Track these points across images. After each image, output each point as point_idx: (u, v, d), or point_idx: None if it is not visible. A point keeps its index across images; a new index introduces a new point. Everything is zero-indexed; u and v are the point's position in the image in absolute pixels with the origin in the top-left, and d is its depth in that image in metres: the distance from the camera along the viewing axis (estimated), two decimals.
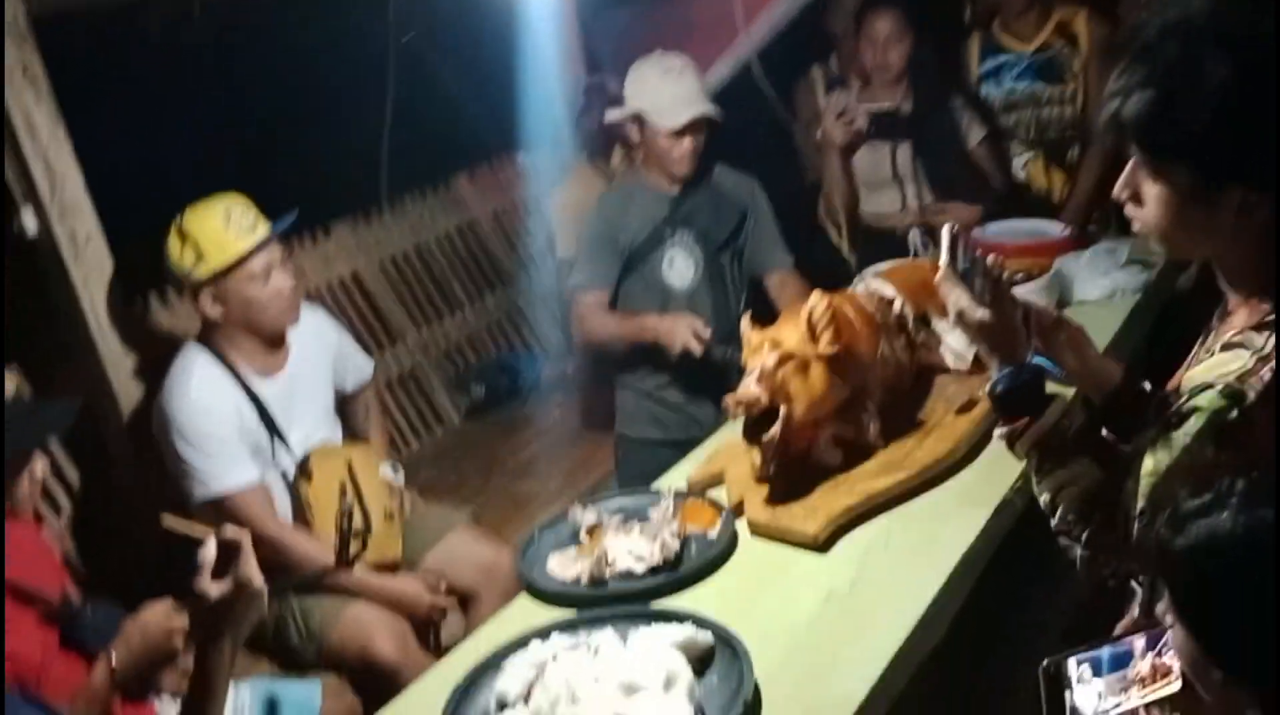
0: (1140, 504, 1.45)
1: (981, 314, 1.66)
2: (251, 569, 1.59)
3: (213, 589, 1.57)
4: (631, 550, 2.13)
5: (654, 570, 2.10)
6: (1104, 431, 1.69)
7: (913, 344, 2.57)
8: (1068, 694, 1.30)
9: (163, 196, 2.91)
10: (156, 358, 3.00)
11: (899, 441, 2.35)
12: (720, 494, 2.34)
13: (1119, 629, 1.50)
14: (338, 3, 4.23)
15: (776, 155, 3.50)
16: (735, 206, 3.24)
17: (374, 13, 4.76)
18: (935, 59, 3.70)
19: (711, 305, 3.18)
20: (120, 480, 3.14)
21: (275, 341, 2.83)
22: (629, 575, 2.10)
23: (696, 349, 2.94)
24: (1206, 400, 1.38)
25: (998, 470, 2.21)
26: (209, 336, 2.77)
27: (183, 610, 1.79)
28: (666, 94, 3.04)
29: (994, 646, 2.34)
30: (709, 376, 3.09)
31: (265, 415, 2.76)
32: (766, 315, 2.43)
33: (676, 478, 2.50)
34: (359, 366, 3.15)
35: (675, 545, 2.14)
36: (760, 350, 2.21)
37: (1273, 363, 1.38)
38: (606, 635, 1.86)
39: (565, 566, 2.16)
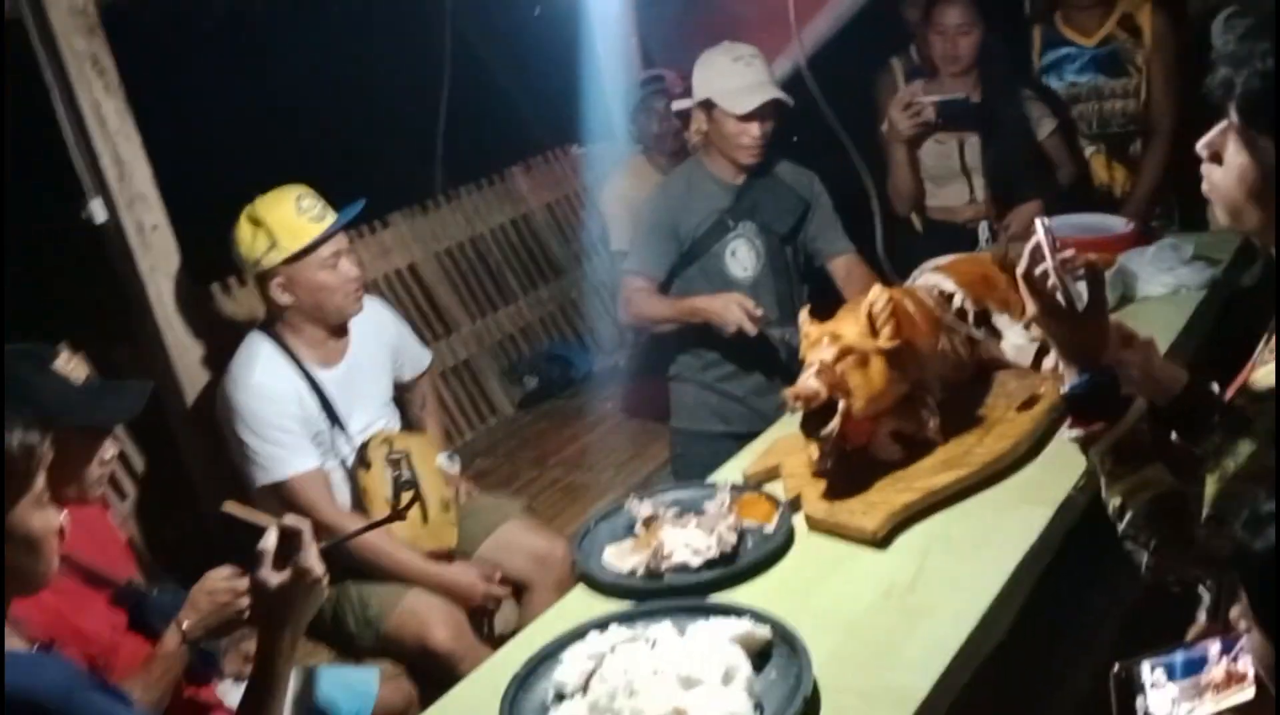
0: (1208, 510, 1.42)
1: (1063, 305, 1.60)
2: (313, 558, 1.61)
3: (273, 578, 1.59)
4: (688, 543, 2.13)
5: (710, 564, 2.10)
6: (1172, 436, 1.67)
7: (972, 338, 2.55)
8: (1140, 699, 1.29)
9: (225, 186, 2.96)
10: (220, 345, 3.04)
11: (959, 437, 2.33)
12: (777, 488, 2.34)
13: (1191, 633, 1.48)
14: None
15: (828, 153, 3.47)
16: (797, 197, 3.23)
17: (431, 5, 4.79)
18: (1004, 50, 3.65)
19: (774, 296, 3.18)
20: (184, 465, 3.19)
21: (338, 330, 2.87)
22: (685, 568, 2.10)
23: (750, 327, 2.94)
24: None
25: (1059, 468, 2.19)
26: (273, 325, 2.81)
27: (244, 575, 1.83)
28: (736, 80, 3.04)
29: (1052, 644, 2.32)
30: (771, 367, 3.08)
31: (326, 403, 2.80)
32: (831, 304, 2.43)
33: (732, 471, 2.50)
34: (416, 356, 3.18)
35: (732, 539, 2.14)
36: (819, 344, 2.20)
37: None
38: (664, 628, 1.87)
39: (621, 558, 2.17)
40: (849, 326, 2.21)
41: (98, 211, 2.95)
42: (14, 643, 1.41)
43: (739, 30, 3.77)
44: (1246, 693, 1.22)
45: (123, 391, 2.10)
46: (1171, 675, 1.29)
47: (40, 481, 1.39)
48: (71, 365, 2.02)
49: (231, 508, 1.67)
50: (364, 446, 2.84)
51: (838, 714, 1.71)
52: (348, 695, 2.52)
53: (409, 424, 3.14)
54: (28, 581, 1.42)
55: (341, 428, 2.83)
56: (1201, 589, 1.58)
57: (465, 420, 4.29)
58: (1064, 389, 1.63)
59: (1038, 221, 1.66)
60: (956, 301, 2.56)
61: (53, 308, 3.79)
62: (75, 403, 1.94)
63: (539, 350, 4.61)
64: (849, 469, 2.24)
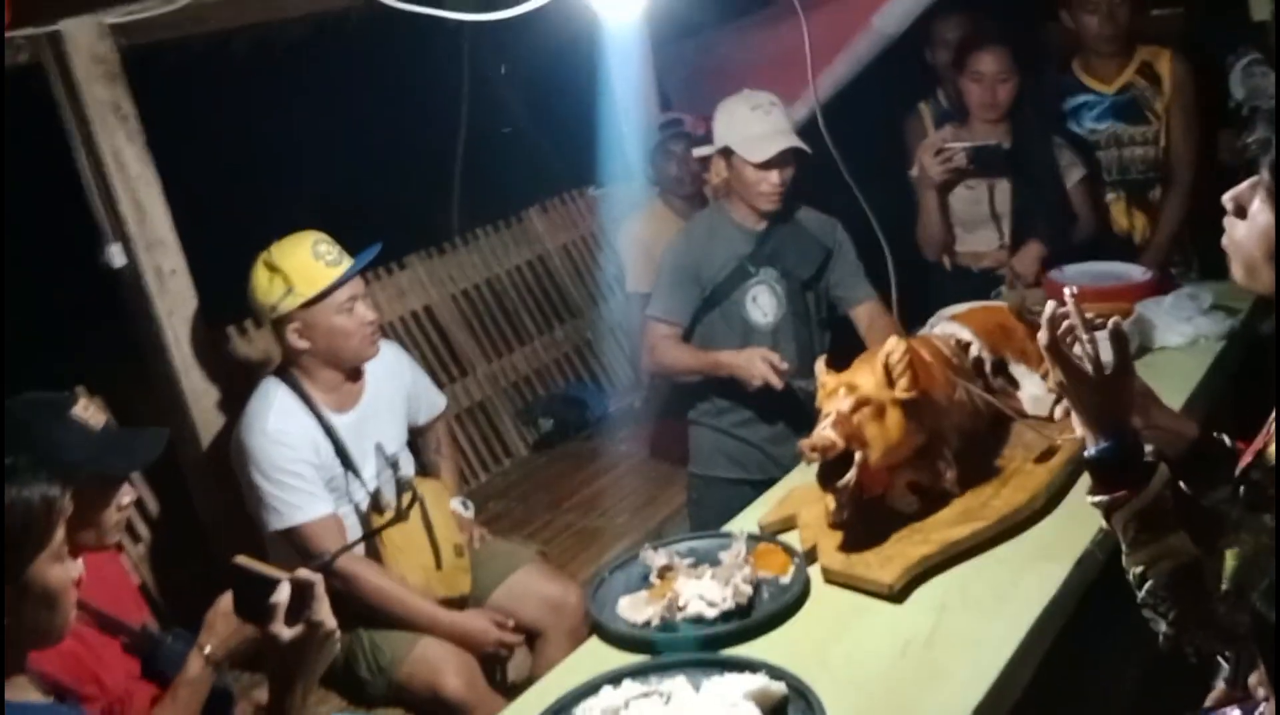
0: (1227, 584, 1.41)
1: (1088, 370, 1.58)
2: (325, 611, 1.60)
3: (286, 632, 1.58)
4: (703, 594, 2.12)
5: (726, 615, 2.09)
6: (1180, 485, 1.64)
7: (990, 389, 2.54)
8: None
9: (242, 230, 2.98)
10: (236, 390, 3.05)
11: (976, 489, 2.31)
12: (793, 538, 2.32)
13: (1210, 700, 1.45)
14: (413, 40, 4.30)
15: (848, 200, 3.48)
16: (819, 245, 3.23)
17: (448, 49, 4.84)
18: (1035, 96, 3.65)
19: (795, 343, 3.17)
20: (198, 511, 3.19)
21: (353, 375, 2.87)
22: (700, 620, 2.09)
23: (776, 381, 2.94)
24: None
25: (1077, 521, 2.17)
26: (288, 370, 2.82)
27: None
28: (755, 128, 3.05)
29: (1070, 705, 2.29)
30: (790, 415, 3.07)
31: (340, 449, 2.80)
32: (853, 352, 2.42)
33: (748, 520, 2.49)
34: (431, 401, 3.18)
35: (748, 590, 2.12)
36: (836, 394, 2.19)
37: None
38: (679, 683, 1.85)
39: (636, 609, 2.15)
40: (865, 377, 2.20)
41: (116, 256, 2.98)
42: (31, 694, 1.41)
43: (757, 74, 3.79)
44: None
45: (140, 438, 2.11)
46: None
47: (60, 535, 1.39)
48: (89, 411, 2.02)
49: (242, 561, 1.67)
50: (377, 492, 2.84)
51: None
52: None
53: (423, 468, 3.13)
54: (46, 635, 1.42)
55: (356, 473, 2.83)
56: (1220, 658, 1.56)
57: (480, 462, 4.29)
58: (1087, 453, 1.60)
59: (1065, 291, 1.64)
60: (973, 351, 2.55)
61: (70, 351, 3.82)
62: (94, 451, 1.94)
63: (554, 392, 4.61)
64: (865, 520, 2.22)
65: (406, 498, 2.75)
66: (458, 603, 2.86)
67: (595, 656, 2.09)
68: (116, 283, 3.05)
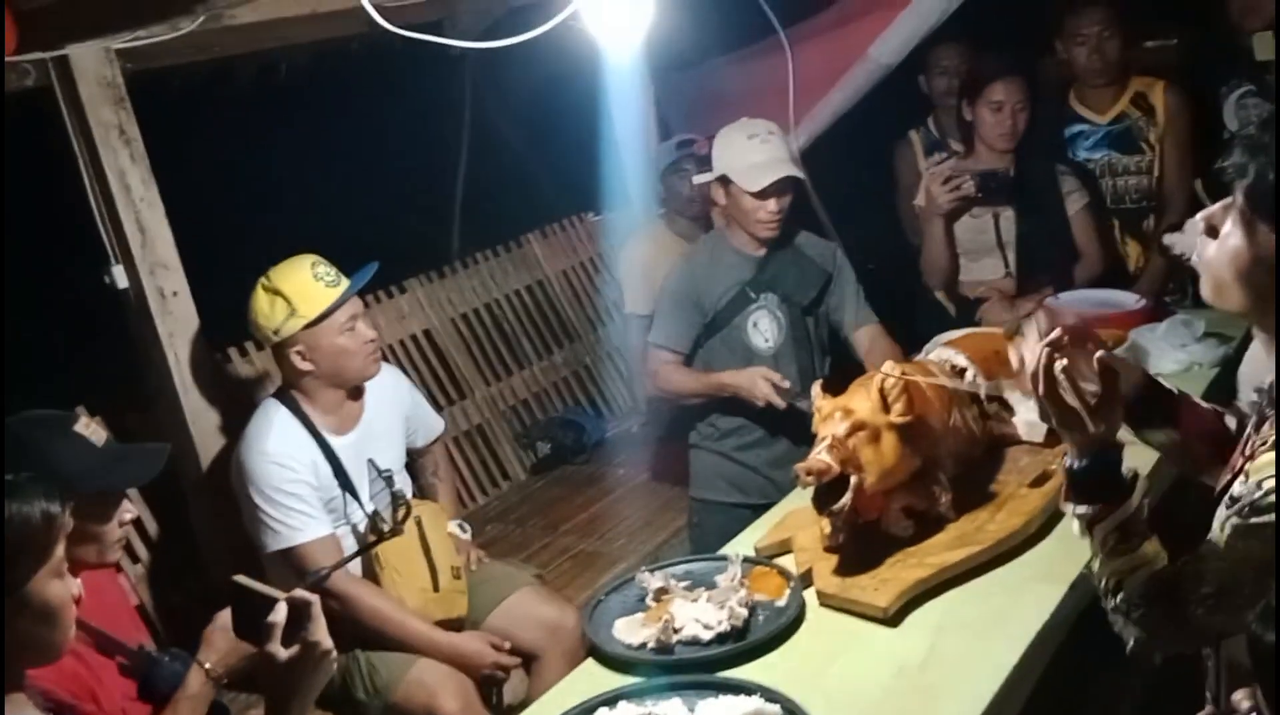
0: (1207, 586, 1.44)
1: (1075, 404, 1.60)
2: (321, 632, 1.60)
3: (282, 652, 1.58)
4: (699, 617, 2.13)
5: (721, 638, 2.09)
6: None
7: (984, 414, 2.55)
8: None
9: (243, 253, 3.01)
10: (236, 411, 3.07)
11: (971, 514, 2.33)
12: (789, 561, 2.33)
13: None
14: (415, 67, 4.34)
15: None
16: (819, 269, 3.25)
17: (449, 76, 4.88)
18: (1035, 123, 3.67)
19: (796, 367, 3.19)
20: (197, 531, 3.20)
21: (353, 395, 2.89)
22: (696, 642, 2.09)
23: (778, 401, 2.96)
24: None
25: (1072, 545, 2.13)
26: (288, 392, 2.83)
27: None
28: (751, 157, 3.08)
29: None
30: (790, 439, 3.09)
31: (339, 471, 2.81)
32: (854, 374, 2.44)
33: (744, 544, 2.50)
34: (430, 423, 3.20)
35: (743, 613, 2.13)
36: (831, 418, 2.21)
37: None
38: (674, 705, 1.86)
39: (632, 631, 2.16)
40: (861, 401, 2.22)
41: (119, 277, 3.00)
42: (30, 711, 1.41)
43: (757, 103, 3.82)
44: None
45: (141, 454, 2.13)
46: None
47: (60, 551, 1.40)
48: (90, 429, 2.04)
49: (242, 580, 1.68)
50: (375, 513, 2.85)
51: None
52: None
53: (421, 491, 3.15)
54: (44, 651, 1.42)
55: (354, 495, 2.84)
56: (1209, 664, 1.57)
57: (478, 486, 4.30)
58: (1069, 465, 1.64)
59: (1035, 314, 1.71)
60: (968, 376, 2.56)
61: (72, 372, 3.84)
62: (96, 466, 1.96)
63: (552, 416, 4.62)
64: (861, 544, 2.24)
65: (402, 512, 2.76)
66: (455, 625, 2.87)
67: (591, 678, 2.10)
68: (119, 304, 3.08)
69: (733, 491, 3.28)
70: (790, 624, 2.12)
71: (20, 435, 1.94)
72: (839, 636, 2.10)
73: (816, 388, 2.33)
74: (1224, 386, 2.94)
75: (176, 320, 3.06)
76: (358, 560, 2.84)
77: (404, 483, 3.02)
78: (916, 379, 2.27)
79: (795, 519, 2.45)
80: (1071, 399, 1.59)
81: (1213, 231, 1.46)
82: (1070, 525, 1.67)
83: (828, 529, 2.24)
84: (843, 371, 3.13)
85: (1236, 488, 1.47)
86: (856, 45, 3.97)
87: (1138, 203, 3.75)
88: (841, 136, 4.06)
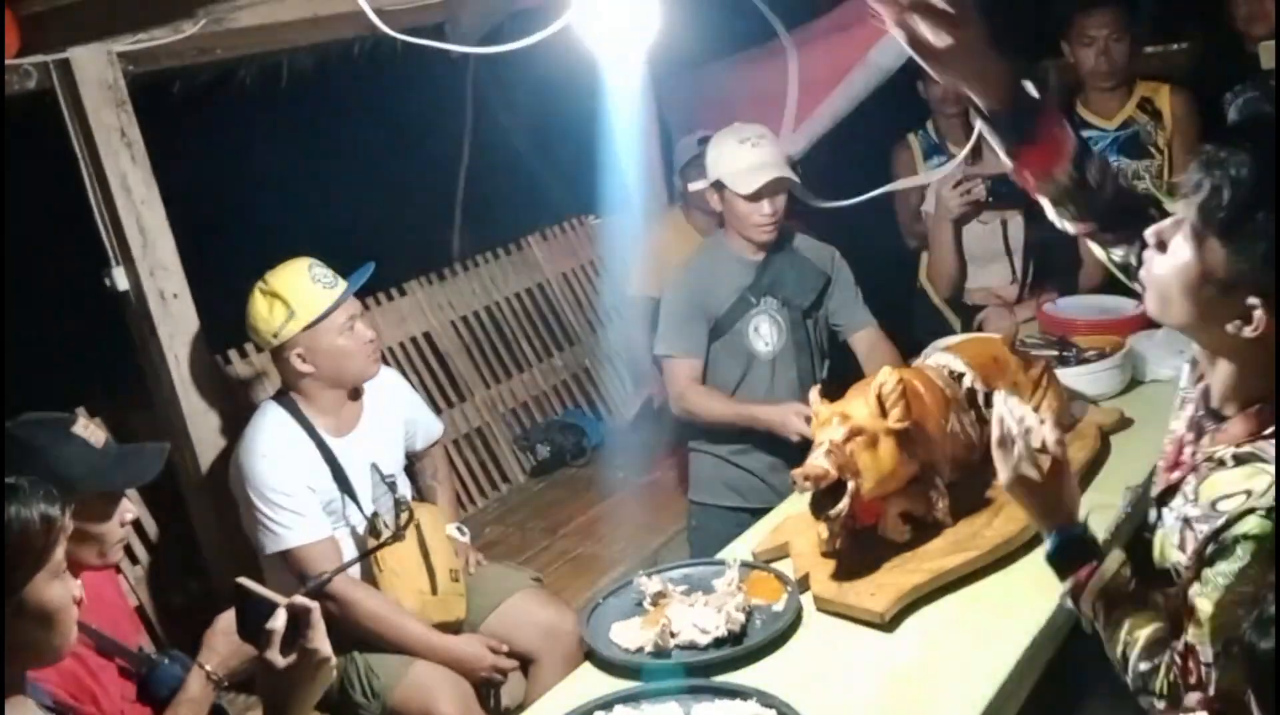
0: (1214, 647, 1.42)
1: (1032, 476, 1.65)
2: (321, 639, 1.59)
3: (280, 659, 1.57)
4: (696, 621, 2.13)
5: (718, 642, 2.10)
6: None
7: (982, 419, 2.55)
8: None
9: (243, 255, 3.02)
10: (235, 413, 3.07)
11: (968, 519, 2.33)
12: (786, 566, 2.34)
13: None
14: (417, 70, 4.34)
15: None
16: (818, 272, 3.26)
17: (452, 79, 4.89)
18: None
19: (796, 371, 3.20)
20: (196, 533, 3.21)
21: (353, 397, 2.90)
22: (693, 646, 2.10)
23: (808, 432, 2.96)
24: (1258, 527, 1.37)
25: None
26: (287, 394, 2.84)
27: None
28: (743, 161, 3.09)
29: None
30: (790, 444, 3.09)
31: (338, 473, 2.82)
32: (853, 378, 2.44)
33: (742, 548, 2.50)
34: (429, 426, 3.20)
35: (740, 617, 2.13)
36: (829, 423, 2.21)
37: None
38: (670, 709, 1.87)
39: (629, 635, 2.17)
40: (859, 406, 2.22)
41: (120, 279, 3.01)
42: (32, 708, 1.42)
43: (758, 104, 3.83)
44: None
45: (141, 454, 2.13)
46: None
47: (59, 554, 1.40)
48: (89, 431, 2.05)
49: (244, 582, 1.68)
50: (374, 516, 2.85)
51: None
52: None
53: (420, 493, 3.15)
54: (45, 653, 1.43)
55: (353, 497, 2.85)
56: None
57: (477, 488, 4.30)
58: (1046, 553, 1.69)
59: (997, 395, 1.73)
60: (966, 382, 2.57)
61: (72, 373, 3.84)
62: (96, 468, 1.97)
63: (552, 419, 4.63)
64: (857, 549, 2.24)
65: (404, 517, 2.77)
66: (453, 628, 2.87)
67: (588, 682, 2.11)
68: (119, 306, 3.08)
69: (732, 495, 3.29)
70: (787, 629, 2.13)
71: (20, 438, 1.94)
72: (835, 641, 2.10)
73: (814, 393, 2.34)
74: None
75: (176, 322, 3.07)
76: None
77: (403, 484, 3.03)
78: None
79: (793, 524, 2.45)
80: (1030, 470, 1.64)
81: (1162, 246, 1.47)
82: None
83: (825, 534, 2.24)
84: (841, 375, 3.14)
85: (1190, 509, 1.47)
86: (857, 49, 3.97)
87: None
88: (841, 139, 4.06)
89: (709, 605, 2.16)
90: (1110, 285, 3.57)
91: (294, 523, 2.73)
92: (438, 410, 3.83)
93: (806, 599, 2.21)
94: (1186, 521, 1.47)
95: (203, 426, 3.11)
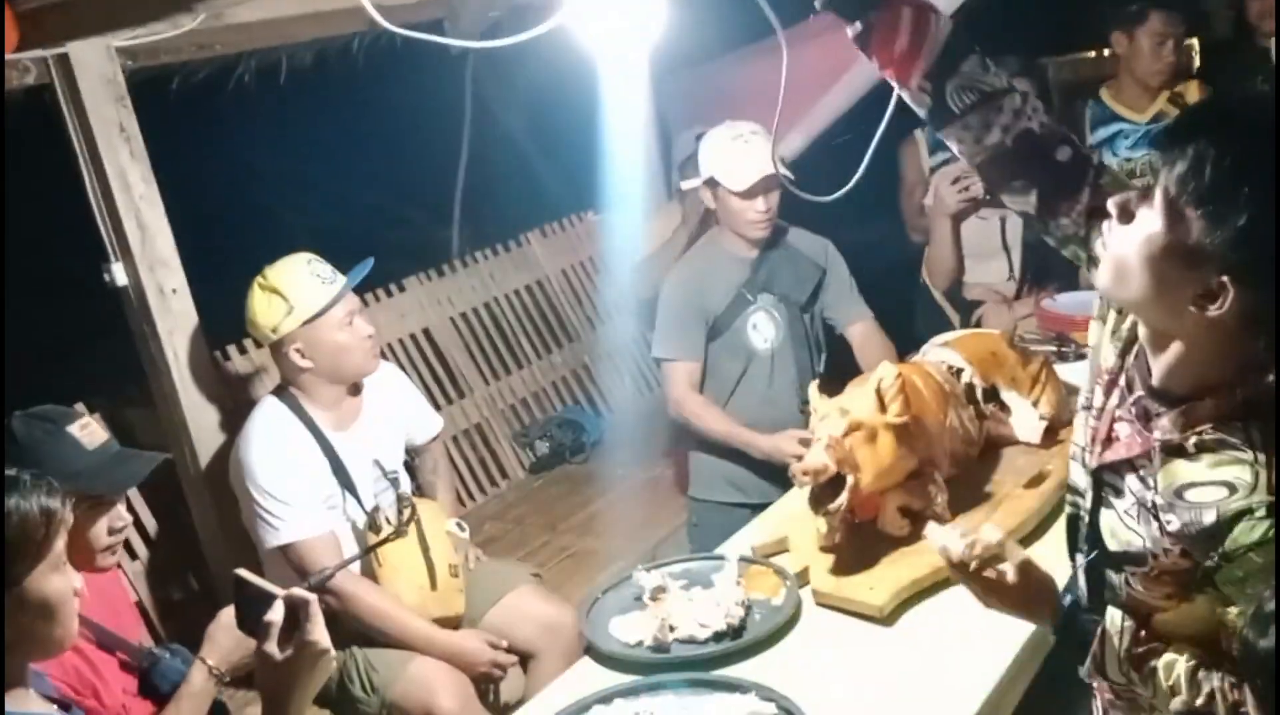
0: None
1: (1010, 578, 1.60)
2: (319, 632, 1.58)
3: (278, 652, 1.56)
4: (695, 615, 2.14)
5: (717, 636, 2.10)
6: None
7: (981, 415, 2.56)
8: None
9: (243, 250, 3.02)
10: (234, 408, 3.07)
11: (967, 514, 2.33)
12: (785, 561, 2.34)
13: None
14: (416, 67, 4.35)
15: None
16: (813, 265, 3.26)
17: (451, 76, 4.89)
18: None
19: (795, 366, 3.20)
20: (196, 528, 3.21)
21: (352, 392, 2.90)
22: (692, 641, 2.10)
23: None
24: (1258, 533, 1.31)
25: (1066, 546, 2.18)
26: (288, 390, 2.84)
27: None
28: (734, 158, 3.09)
29: None
30: None
31: (338, 467, 2.82)
32: (852, 372, 2.44)
33: (741, 543, 2.50)
34: (428, 422, 3.20)
35: (739, 612, 2.14)
36: (828, 418, 2.22)
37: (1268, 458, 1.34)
38: (670, 702, 1.87)
39: (628, 630, 2.17)
40: (858, 401, 2.23)
41: (119, 274, 3.01)
42: (33, 704, 1.42)
43: (756, 100, 3.81)
44: None
45: (129, 461, 2.11)
46: None
47: (59, 546, 1.40)
48: (88, 430, 2.05)
49: (243, 574, 1.68)
50: (374, 511, 2.86)
51: None
52: None
53: (419, 489, 3.15)
54: (46, 645, 1.43)
55: (353, 491, 2.85)
56: None
57: (476, 485, 4.31)
58: (1051, 639, 1.64)
59: (930, 533, 1.66)
60: (965, 377, 2.57)
61: (71, 368, 3.85)
62: (79, 471, 1.95)
63: (551, 415, 4.63)
64: (856, 544, 2.25)
65: (406, 513, 2.77)
66: (452, 623, 2.87)
67: (587, 676, 2.11)
68: (118, 301, 3.08)
69: (732, 491, 3.29)
70: (786, 623, 2.13)
71: (14, 431, 1.95)
72: (834, 635, 2.11)
73: (814, 388, 2.34)
74: None
75: (176, 317, 3.07)
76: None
77: (404, 480, 3.03)
78: None
79: (792, 518, 2.46)
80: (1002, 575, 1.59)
81: (1127, 217, 1.38)
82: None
83: (824, 528, 2.24)
84: (839, 368, 3.15)
85: (1150, 495, 1.43)
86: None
87: None
88: (843, 135, 4.06)
89: (708, 600, 2.17)
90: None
91: (293, 517, 2.73)
92: (437, 407, 3.83)
93: (805, 593, 2.22)
94: (1151, 507, 1.42)
95: (202, 422, 3.11)
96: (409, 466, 3.13)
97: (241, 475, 2.76)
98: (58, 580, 1.40)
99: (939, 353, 2.66)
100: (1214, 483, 1.36)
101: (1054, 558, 2.18)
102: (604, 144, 4.53)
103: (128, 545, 3.19)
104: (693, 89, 4.75)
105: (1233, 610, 1.37)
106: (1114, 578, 1.55)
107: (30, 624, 1.37)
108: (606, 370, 4.90)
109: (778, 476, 3.15)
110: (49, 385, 2.76)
